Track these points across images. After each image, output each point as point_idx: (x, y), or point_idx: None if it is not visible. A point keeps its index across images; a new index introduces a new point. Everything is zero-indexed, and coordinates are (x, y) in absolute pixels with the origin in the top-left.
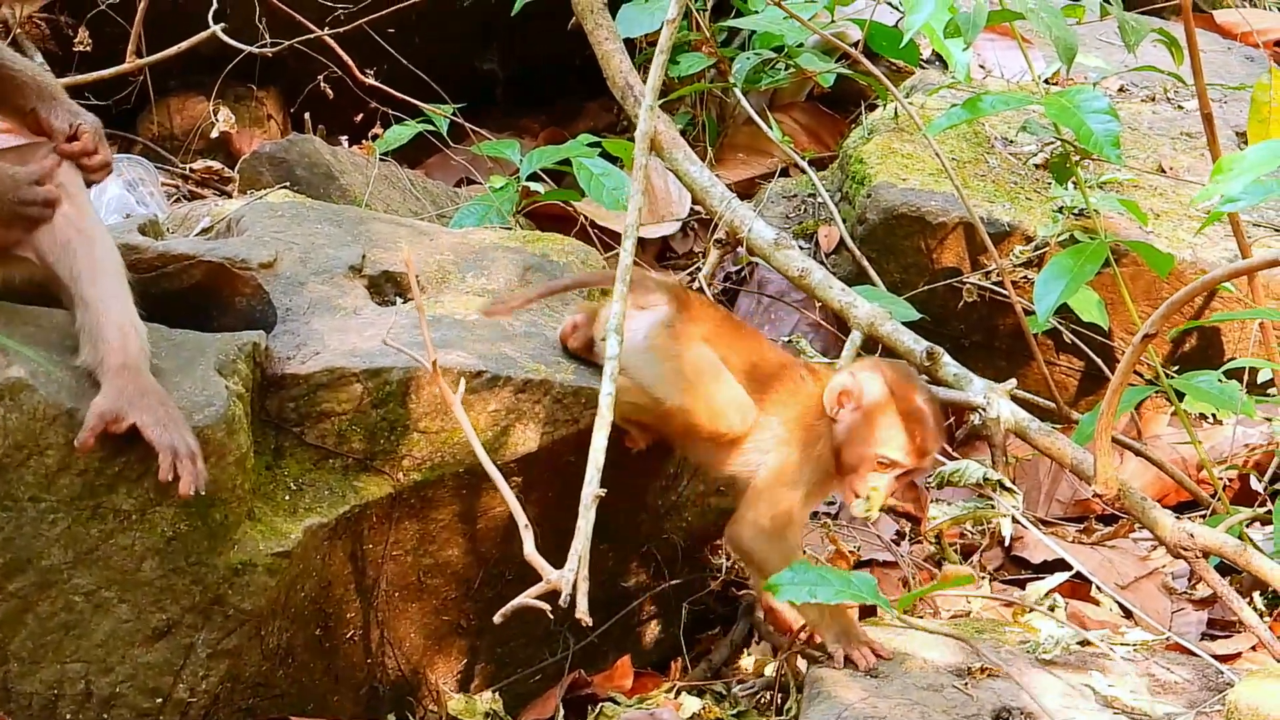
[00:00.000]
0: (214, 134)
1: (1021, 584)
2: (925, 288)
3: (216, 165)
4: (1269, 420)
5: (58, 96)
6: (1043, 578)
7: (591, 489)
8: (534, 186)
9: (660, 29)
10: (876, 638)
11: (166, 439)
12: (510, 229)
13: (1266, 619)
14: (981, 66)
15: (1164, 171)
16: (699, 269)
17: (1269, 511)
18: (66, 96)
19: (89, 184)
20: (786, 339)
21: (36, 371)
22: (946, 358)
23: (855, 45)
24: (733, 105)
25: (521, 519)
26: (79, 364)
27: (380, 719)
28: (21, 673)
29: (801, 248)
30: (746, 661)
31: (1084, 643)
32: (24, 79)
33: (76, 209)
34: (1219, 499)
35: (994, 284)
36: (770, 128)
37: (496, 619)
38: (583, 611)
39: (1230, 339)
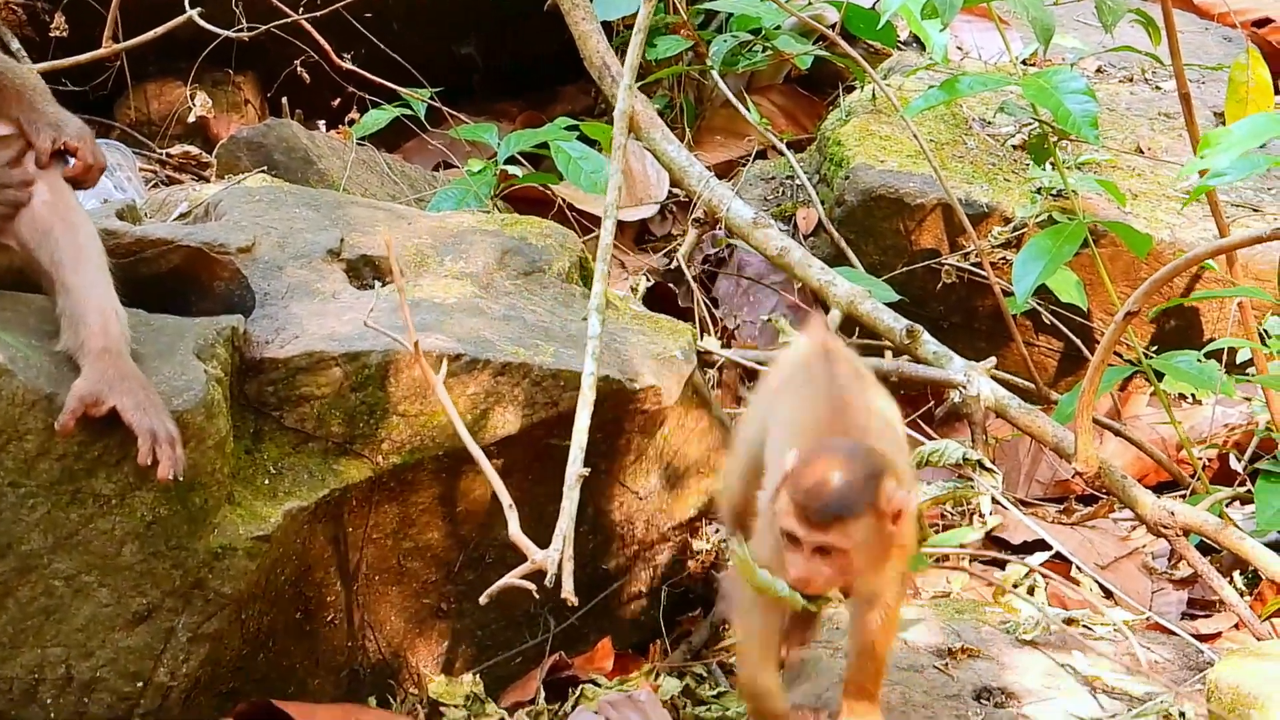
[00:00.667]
0: (191, 119)
1: (1001, 564)
2: (904, 269)
3: (194, 150)
4: (1248, 400)
5: (38, 106)
6: (1023, 558)
7: (575, 468)
8: (512, 170)
9: (638, 11)
10: None
11: (146, 423)
12: (488, 213)
13: (1247, 598)
14: (959, 48)
15: (1142, 152)
16: (677, 250)
17: (1249, 491)
18: (52, 103)
19: (81, 188)
20: (765, 320)
21: (15, 357)
22: (926, 335)
23: (832, 27)
24: (710, 88)
25: (506, 499)
26: (59, 349)
27: (361, 702)
28: (1, 657)
29: (780, 230)
30: (727, 643)
31: (1065, 623)
32: (8, 85)
33: (56, 195)
34: (1199, 479)
35: (973, 265)
36: (748, 110)
37: (482, 600)
38: (568, 591)
39: (1209, 319)
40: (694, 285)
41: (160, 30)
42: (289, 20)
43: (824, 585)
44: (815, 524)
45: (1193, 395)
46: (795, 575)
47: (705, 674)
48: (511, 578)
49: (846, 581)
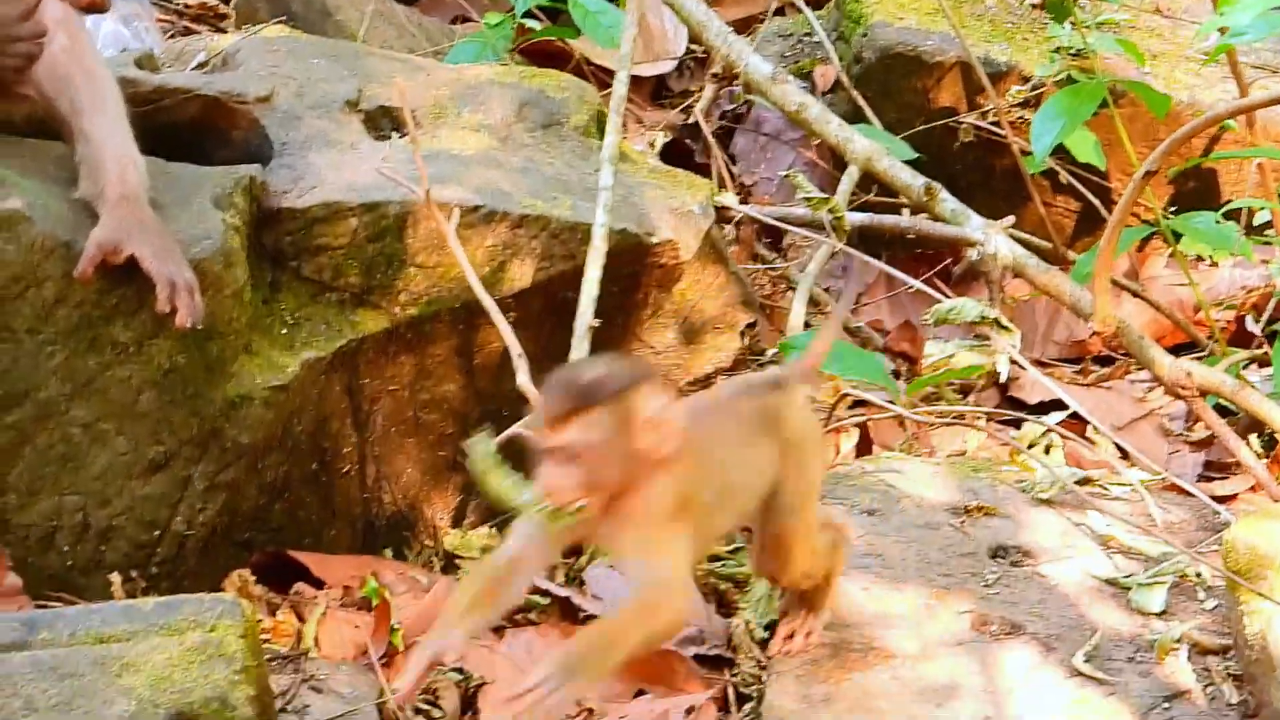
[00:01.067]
0: None
1: (1018, 424)
2: (921, 128)
3: (211, 1)
4: (1266, 262)
5: None
6: (1039, 418)
7: (585, 319)
8: (529, 24)
9: None
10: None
11: (164, 271)
12: (506, 65)
13: (1264, 460)
14: None
15: (1161, 12)
16: (695, 106)
17: (1266, 353)
18: None
19: (86, 12)
20: (783, 176)
21: (34, 204)
22: (944, 193)
23: None
24: None
25: (515, 348)
26: (77, 196)
27: (376, 553)
28: (19, 504)
29: (798, 87)
30: None
31: (1081, 482)
32: None
33: (74, 42)
34: (1216, 341)
35: (990, 124)
36: None
37: (491, 447)
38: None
39: (1227, 180)
40: (711, 141)
41: None
42: None
43: (569, 494)
44: (552, 419)
45: (1210, 257)
46: (540, 484)
47: None
48: (518, 428)
49: (595, 495)
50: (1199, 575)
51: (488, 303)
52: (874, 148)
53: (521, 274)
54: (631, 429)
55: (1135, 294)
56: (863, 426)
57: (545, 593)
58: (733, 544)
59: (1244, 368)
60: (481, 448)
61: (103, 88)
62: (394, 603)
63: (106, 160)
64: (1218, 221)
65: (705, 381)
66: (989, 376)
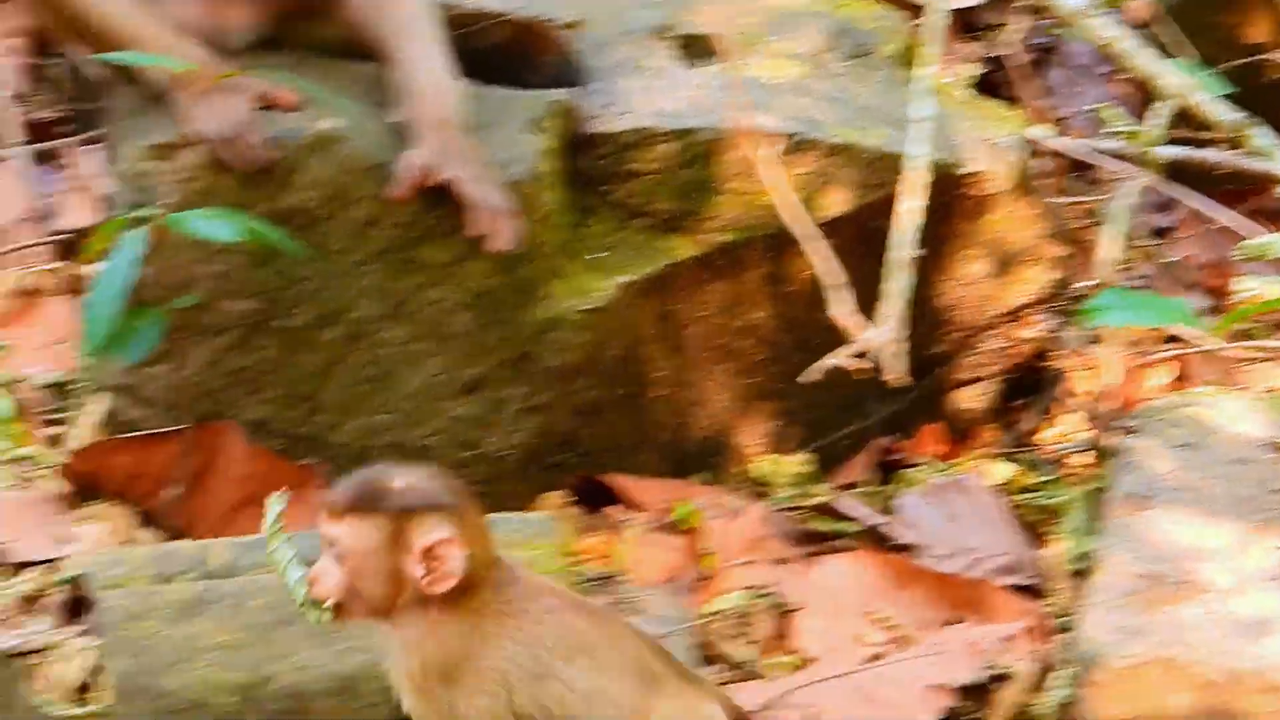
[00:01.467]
0: None
1: None
2: (1232, 64)
3: None
4: None
5: None
6: None
7: (905, 251)
8: None
9: None
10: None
11: (479, 194)
12: None
13: None
14: None
15: None
16: (1005, 39)
17: None
18: None
19: None
20: (1093, 110)
21: (350, 124)
22: (1259, 129)
23: None
24: None
25: (836, 276)
26: (394, 118)
27: (685, 479)
28: (332, 423)
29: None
30: (1054, 431)
31: None
32: None
33: None
34: None
35: None
36: None
37: (809, 376)
38: (901, 372)
39: None
40: (1022, 74)
41: None
42: None
43: (328, 591)
44: (330, 508)
45: None
46: (313, 570)
47: (1033, 462)
48: (836, 356)
49: (354, 604)
50: None
51: (808, 229)
52: (1186, 82)
53: (832, 203)
54: (401, 552)
55: None
56: (1175, 361)
57: (857, 520)
58: (1044, 475)
59: None
60: (273, 511)
61: (420, 11)
62: (707, 528)
63: (424, 83)
64: None
65: (1015, 314)
66: None
